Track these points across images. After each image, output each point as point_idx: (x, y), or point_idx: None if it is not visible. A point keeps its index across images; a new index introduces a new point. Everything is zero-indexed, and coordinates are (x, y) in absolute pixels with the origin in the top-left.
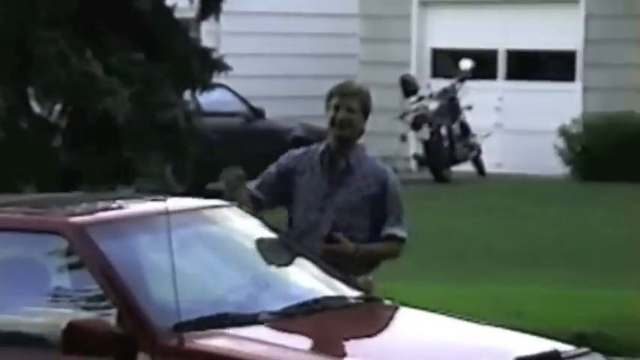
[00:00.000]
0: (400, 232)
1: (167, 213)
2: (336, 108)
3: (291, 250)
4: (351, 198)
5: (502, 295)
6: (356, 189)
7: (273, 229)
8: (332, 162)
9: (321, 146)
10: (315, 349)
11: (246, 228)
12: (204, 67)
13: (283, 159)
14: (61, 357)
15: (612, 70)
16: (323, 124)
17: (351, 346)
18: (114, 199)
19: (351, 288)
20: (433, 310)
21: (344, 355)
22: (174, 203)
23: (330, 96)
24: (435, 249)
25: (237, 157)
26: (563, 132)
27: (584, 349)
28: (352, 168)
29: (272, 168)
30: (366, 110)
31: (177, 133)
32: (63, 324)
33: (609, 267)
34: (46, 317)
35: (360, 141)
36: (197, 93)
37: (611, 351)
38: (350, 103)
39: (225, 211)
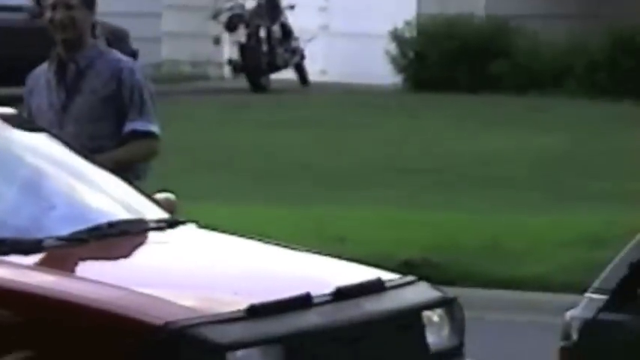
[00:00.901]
0: (143, 125)
1: None
2: (53, 7)
3: (84, 165)
4: (86, 104)
5: (324, 218)
6: (90, 93)
7: (63, 142)
8: (63, 70)
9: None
10: (106, 278)
11: (29, 141)
12: None
13: (28, 80)
14: None
15: None
16: (125, 22)
17: (146, 276)
18: None
19: (154, 209)
20: (246, 235)
21: (137, 284)
22: None
23: None
24: (250, 166)
25: (20, 58)
26: (396, 36)
27: (409, 278)
28: (83, 71)
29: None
30: (88, 2)
31: None
32: None
33: (442, 187)
34: None
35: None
36: None
37: (439, 279)
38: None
39: (3, 120)
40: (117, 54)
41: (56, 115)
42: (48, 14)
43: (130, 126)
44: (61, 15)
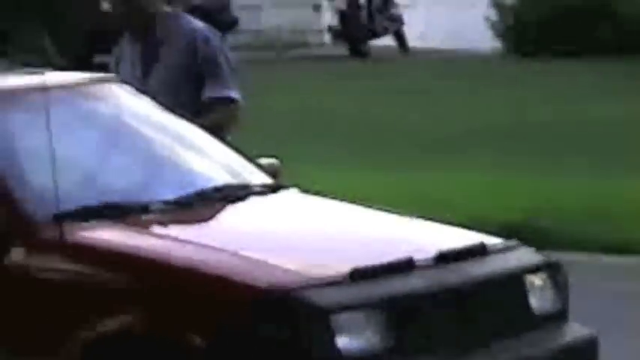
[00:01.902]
0: (221, 92)
1: (45, 88)
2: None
3: (189, 131)
4: (164, 74)
5: (426, 183)
6: (167, 62)
7: (167, 108)
8: (141, 41)
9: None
10: (212, 242)
11: (136, 106)
12: None
13: (114, 50)
14: None
15: None
16: None
17: (252, 241)
18: None
19: (258, 174)
20: (348, 200)
21: (243, 249)
22: (54, 77)
23: None
24: (351, 132)
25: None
26: (496, 2)
27: (512, 242)
28: (160, 41)
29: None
30: None
31: None
32: None
33: (545, 152)
34: None
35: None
36: None
37: (541, 243)
38: None
39: (112, 86)
40: (193, 22)
41: (138, 85)
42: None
43: (207, 93)
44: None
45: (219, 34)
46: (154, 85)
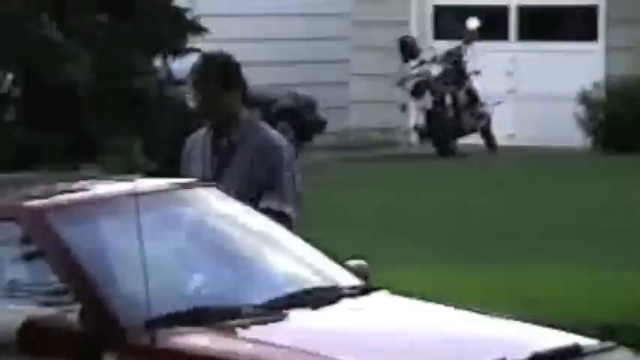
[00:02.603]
0: (278, 205)
1: (136, 195)
2: (194, 92)
3: (277, 233)
4: (233, 179)
5: (517, 280)
6: (237, 168)
7: (255, 211)
8: (217, 142)
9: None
10: (306, 347)
11: (224, 210)
12: (177, 29)
13: (186, 143)
14: (17, 358)
15: (639, 28)
16: (313, 91)
17: (345, 345)
18: (76, 180)
19: (346, 276)
20: (439, 299)
21: (338, 354)
22: (144, 184)
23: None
24: (440, 230)
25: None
26: (584, 98)
27: (609, 344)
28: (235, 146)
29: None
30: (225, 80)
31: (146, 104)
32: (19, 321)
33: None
34: (0, 314)
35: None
36: (169, 58)
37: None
38: (200, 86)
39: (201, 191)
40: (268, 131)
41: None
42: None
43: (265, 203)
44: (196, 104)
45: (293, 149)
46: (223, 188)
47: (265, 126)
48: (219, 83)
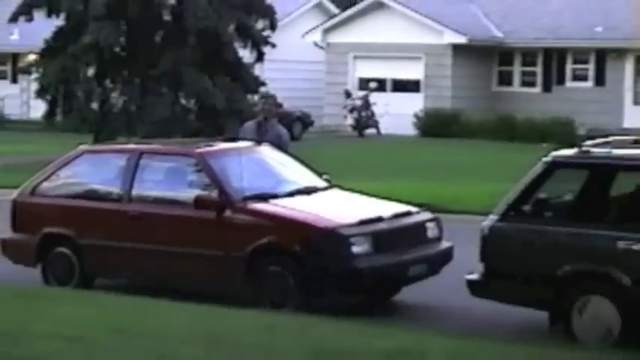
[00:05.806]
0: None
1: (239, 148)
2: (263, 103)
3: (290, 163)
4: (269, 145)
5: (395, 188)
6: (270, 141)
7: (280, 152)
8: (260, 128)
9: (258, 119)
10: (301, 208)
11: (270, 154)
12: (256, 84)
13: (241, 127)
14: (193, 210)
15: (439, 89)
16: (311, 109)
17: (316, 208)
18: (213, 141)
19: (320, 181)
20: (361, 194)
21: (314, 210)
22: (242, 143)
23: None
24: (360, 166)
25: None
26: (416, 114)
27: (419, 209)
28: (267, 131)
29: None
30: (272, 104)
31: (233, 116)
32: (194, 195)
33: None
34: (188, 193)
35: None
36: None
37: (435, 210)
38: (267, 101)
39: (262, 146)
40: (280, 127)
41: None
42: (259, 106)
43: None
44: (263, 107)
45: (288, 134)
46: (268, 146)
47: (279, 125)
48: (271, 105)
